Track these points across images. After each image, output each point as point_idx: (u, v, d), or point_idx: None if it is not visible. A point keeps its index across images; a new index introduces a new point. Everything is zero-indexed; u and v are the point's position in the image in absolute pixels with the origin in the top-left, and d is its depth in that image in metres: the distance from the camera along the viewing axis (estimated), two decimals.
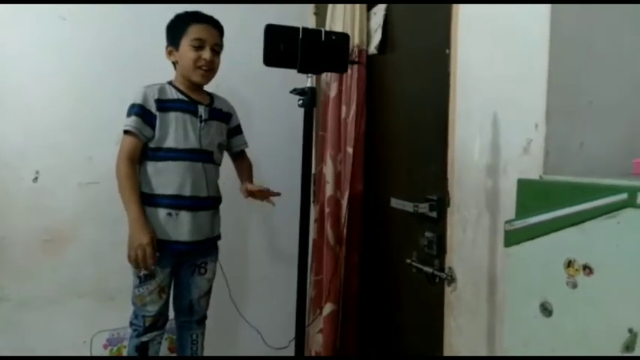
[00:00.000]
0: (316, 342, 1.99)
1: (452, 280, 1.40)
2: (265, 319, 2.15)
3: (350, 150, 1.87)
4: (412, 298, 1.66)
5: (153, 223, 1.67)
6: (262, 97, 2.36)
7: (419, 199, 1.52)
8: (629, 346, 0.72)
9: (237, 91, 2.18)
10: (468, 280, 1.33)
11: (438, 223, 1.47)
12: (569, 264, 0.82)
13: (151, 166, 1.69)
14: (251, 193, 1.83)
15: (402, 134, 1.74)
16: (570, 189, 0.84)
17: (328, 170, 1.95)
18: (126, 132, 1.67)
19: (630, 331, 0.72)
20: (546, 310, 0.86)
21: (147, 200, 1.68)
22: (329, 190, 1.93)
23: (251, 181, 1.89)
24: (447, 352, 1.41)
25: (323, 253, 1.97)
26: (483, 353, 1.26)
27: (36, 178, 2.10)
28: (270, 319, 2.15)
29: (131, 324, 1.78)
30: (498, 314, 1.21)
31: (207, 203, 1.75)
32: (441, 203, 1.45)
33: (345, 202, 1.91)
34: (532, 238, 0.89)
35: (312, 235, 2.11)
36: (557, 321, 0.85)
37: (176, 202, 1.68)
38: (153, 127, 1.67)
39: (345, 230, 1.92)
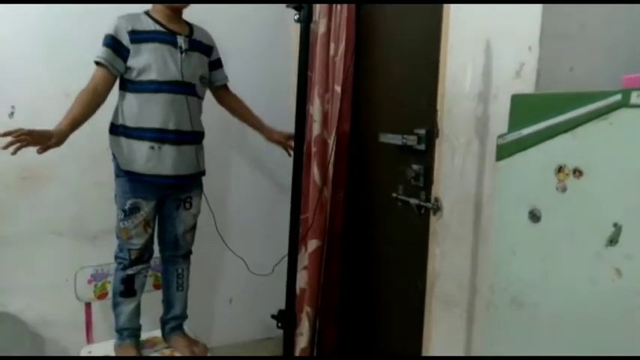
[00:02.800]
0: (301, 278, 2.03)
1: (438, 209, 1.44)
2: (249, 248, 2.19)
3: (338, 88, 1.87)
4: (397, 231, 1.70)
5: (136, 157, 1.65)
6: (246, 35, 2.32)
7: (407, 133, 1.54)
8: (612, 239, 0.77)
9: (221, 28, 2.12)
10: (455, 207, 1.37)
11: (426, 155, 1.50)
12: (560, 169, 0.86)
13: (134, 99, 1.65)
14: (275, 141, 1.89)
15: (391, 70, 1.74)
16: (564, 99, 0.87)
17: (315, 110, 1.94)
18: (96, 63, 1.62)
19: (615, 225, 0.77)
20: (535, 216, 0.91)
21: (130, 133, 1.65)
22: (316, 129, 1.94)
23: (268, 128, 1.91)
24: (430, 278, 1.47)
25: (309, 192, 1.98)
26: (467, 275, 1.32)
27: (12, 113, 2.03)
28: (253, 249, 2.19)
29: (116, 257, 1.77)
30: (483, 238, 1.26)
31: (191, 137, 1.73)
32: (430, 135, 1.48)
33: (331, 142, 1.92)
34: (524, 149, 0.92)
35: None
36: (546, 225, 0.89)
37: (160, 136, 1.65)
38: (125, 60, 1.63)
39: (331, 169, 1.94)
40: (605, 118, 0.78)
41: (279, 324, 1.14)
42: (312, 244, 1.96)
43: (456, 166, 1.36)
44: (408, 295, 1.60)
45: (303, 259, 2.02)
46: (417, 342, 1.52)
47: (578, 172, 0.83)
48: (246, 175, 2.47)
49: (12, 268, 2.11)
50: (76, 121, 1.57)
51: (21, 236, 2.11)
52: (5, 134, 1.38)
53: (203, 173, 1.86)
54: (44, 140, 1.48)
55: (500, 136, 0.98)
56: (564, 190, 0.85)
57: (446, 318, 1.41)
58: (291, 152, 1.81)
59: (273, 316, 1.14)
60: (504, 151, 0.97)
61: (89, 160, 2.15)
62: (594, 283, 0.80)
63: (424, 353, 1.49)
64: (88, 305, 1.93)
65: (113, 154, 1.72)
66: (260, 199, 2.50)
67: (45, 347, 2.21)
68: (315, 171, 1.94)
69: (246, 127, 2.47)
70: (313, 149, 1.94)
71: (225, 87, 1.93)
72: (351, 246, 2.02)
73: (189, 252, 1.92)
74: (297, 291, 2.05)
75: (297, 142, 1.30)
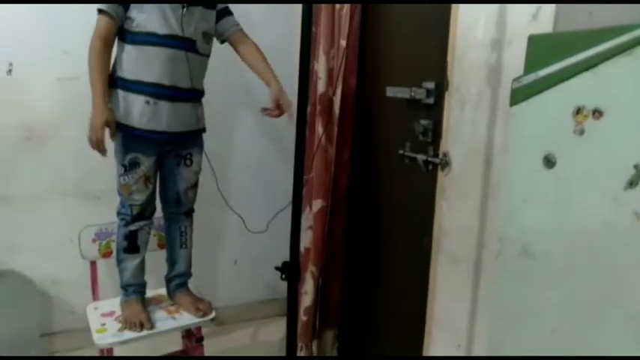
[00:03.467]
0: (305, 238, 2.02)
1: (446, 164, 1.40)
2: (249, 207, 2.18)
3: (343, 42, 1.80)
4: (403, 189, 1.67)
5: (131, 110, 1.61)
6: None
7: (416, 87, 1.49)
8: (632, 181, 0.74)
9: None
10: (464, 161, 1.34)
11: (435, 109, 1.46)
12: (578, 111, 0.81)
13: (132, 51, 1.60)
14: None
15: (399, 22, 1.68)
16: (585, 36, 0.82)
17: (321, 66, 1.88)
18: (100, 11, 1.57)
19: (635, 167, 0.73)
20: (549, 162, 0.87)
21: (127, 86, 1.61)
22: (321, 86, 1.88)
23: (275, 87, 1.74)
24: (436, 235, 1.45)
25: (313, 151, 1.95)
26: (475, 230, 1.29)
27: (10, 71, 1.98)
28: (253, 208, 2.18)
29: (118, 213, 1.76)
30: (492, 191, 1.23)
31: (188, 95, 1.69)
32: (439, 88, 1.43)
33: (337, 100, 1.87)
34: (540, 92, 0.88)
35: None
36: (561, 170, 0.86)
37: (156, 91, 1.61)
38: (126, 9, 1.58)
39: (336, 128, 1.90)
40: (629, 53, 0.73)
41: (283, 276, 1.13)
42: (317, 203, 1.94)
43: (466, 118, 1.31)
44: (414, 252, 1.59)
45: (308, 219, 2.00)
46: (422, 298, 1.51)
47: (597, 113, 0.79)
48: (249, 134, 2.43)
49: (17, 227, 2.12)
50: (104, 86, 1.60)
51: (25, 196, 2.10)
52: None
53: (203, 130, 1.82)
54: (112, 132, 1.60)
55: (515, 80, 0.93)
56: (582, 132, 0.81)
57: (452, 274, 1.39)
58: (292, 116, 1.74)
59: (277, 268, 1.13)
60: (519, 95, 0.92)
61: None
62: (610, 227, 0.77)
63: (429, 310, 1.49)
64: (93, 264, 1.94)
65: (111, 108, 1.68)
66: (262, 159, 2.47)
67: (53, 305, 2.24)
68: (319, 129, 1.90)
69: (251, 84, 2.43)
70: (318, 107, 1.90)
71: (239, 36, 1.82)
72: (356, 205, 2.00)
73: (192, 210, 1.90)
74: (302, 250, 2.05)
75: (301, 100, 1.25)
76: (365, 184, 1.93)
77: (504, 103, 1.14)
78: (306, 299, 2.01)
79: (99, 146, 1.56)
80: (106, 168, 1.94)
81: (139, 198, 1.71)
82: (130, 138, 1.65)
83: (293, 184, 1.29)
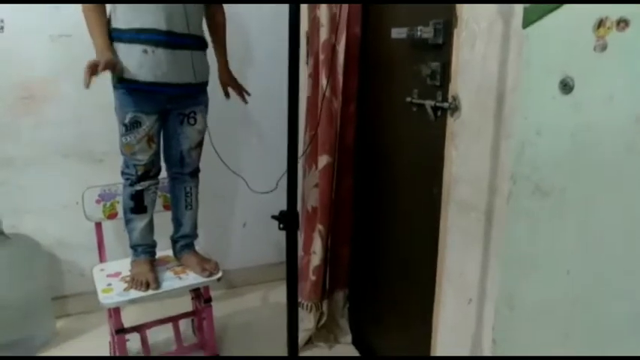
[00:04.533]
0: (312, 197, 1.96)
1: (455, 108, 1.31)
2: (250, 167, 2.13)
3: None
4: (411, 139, 1.59)
5: (130, 62, 1.54)
6: None
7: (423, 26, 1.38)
8: None
9: None
10: (474, 103, 1.24)
11: (443, 50, 1.35)
12: (600, 24, 0.71)
13: None
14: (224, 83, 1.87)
15: None
16: None
17: (323, 13, 1.78)
18: None
19: None
20: (567, 85, 0.78)
21: (123, 37, 1.54)
22: (323, 34, 1.78)
23: (225, 60, 1.86)
24: (446, 183, 1.37)
25: (317, 105, 1.86)
26: (486, 175, 1.21)
27: (2, 27, 1.92)
28: (255, 168, 2.13)
29: (123, 173, 1.72)
30: (504, 132, 1.14)
31: (187, 41, 1.61)
32: (448, 25, 1.32)
33: (341, 49, 1.77)
34: (556, 7, 0.78)
35: (305, 93, 2.00)
36: (579, 94, 0.76)
37: (152, 37, 1.53)
38: None
39: (341, 79, 1.80)
40: None
41: (281, 225, 1.07)
42: (323, 160, 1.87)
43: (476, 55, 1.21)
44: (423, 204, 1.52)
45: (314, 177, 1.94)
46: (432, 253, 1.45)
47: (623, 23, 0.69)
48: (251, 92, 2.35)
49: (21, 190, 2.10)
50: (105, 32, 1.54)
51: (26, 158, 2.08)
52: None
53: (205, 84, 1.75)
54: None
55: None
56: (604, 48, 0.72)
57: (462, 223, 1.32)
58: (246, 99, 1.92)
59: (274, 217, 1.07)
60: (533, 14, 0.82)
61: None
62: (634, 152, 0.68)
63: (439, 261, 1.42)
64: (98, 225, 1.92)
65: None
66: (266, 118, 2.39)
67: (62, 268, 2.24)
68: (323, 81, 1.80)
69: (251, 42, 2.34)
70: (321, 56, 1.80)
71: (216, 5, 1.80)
72: (363, 161, 1.92)
73: (197, 170, 1.85)
74: (309, 209, 1.99)
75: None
76: (372, 138, 1.84)
77: (517, 31, 1.04)
78: (315, 259, 1.96)
79: (90, 74, 1.42)
80: (106, 130, 1.90)
81: (143, 158, 1.67)
82: (129, 95, 1.59)
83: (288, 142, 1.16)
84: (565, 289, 0.82)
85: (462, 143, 1.30)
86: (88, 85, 1.40)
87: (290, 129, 1.08)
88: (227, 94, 1.89)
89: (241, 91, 1.91)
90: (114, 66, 1.50)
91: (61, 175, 2.14)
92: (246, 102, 1.93)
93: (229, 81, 1.88)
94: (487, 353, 1.23)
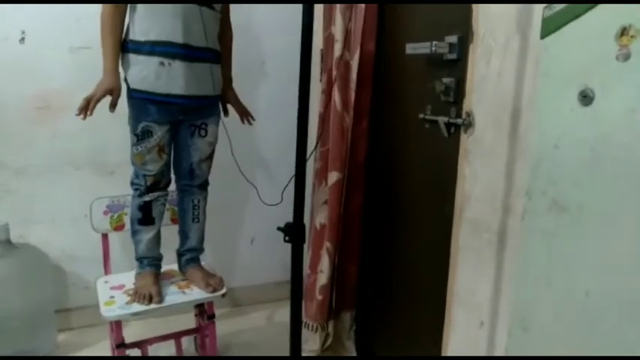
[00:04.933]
0: (320, 214, 1.93)
1: (469, 125, 1.28)
2: (262, 176, 2.12)
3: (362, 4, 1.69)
4: (423, 156, 1.56)
5: (146, 74, 1.55)
6: None
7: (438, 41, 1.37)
8: None
9: None
10: (488, 119, 1.22)
11: (458, 65, 1.33)
12: (623, 32, 0.69)
13: (143, 10, 1.54)
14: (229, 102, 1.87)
15: None
16: None
17: (337, 28, 1.78)
18: None
19: None
20: (586, 97, 0.75)
21: (140, 48, 1.55)
22: (337, 50, 1.78)
23: (229, 76, 1.84)
24: (458, 202, 1.33)
25: (329, 121, 1.85)
26: (501, 194, 1.17)
27: (22, 39, 1.96)
28: (266, 178, 2.11)
29: (132, 183, 1.72)
30: (519, 149, 1.11)
31: (204, 55, 1.62)
32: (463, 41, 1.30)
33: (355, 64, 1.77)
34: (577, 17, 0.75)
35: (317, 109, 1.99)
36: (599, 106, 0.73)
37: (170, 50, 1.54)
38: None
39: (353, 95, 1.79)
40: None
41: (287, 237, 1.04)
42: (333, 176, 1.84)
43: (491, 71, 1.19)
44: (434, 223, 1.47)
45: (324, 194, 1.91)
46: (443, 274, 1.40)
47: None
48: (265, 104, 2.34)
49: (31, 200, 2.10)
50: (117, 51, 1.58)
51: (38, 168, 2.09)
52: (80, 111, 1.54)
53: (219, 97, 1.75)
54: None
55: (546, 7, 0.80)
56: (627, 57, 0.69)
57: (474, 243, 1.27)
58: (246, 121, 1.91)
59: (279, 229, 1.04)
60: (551, 23, 0.80)
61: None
62: None
63: (449, 286, 1.37)
64: (104, 236, 1.90)
65: (125, 76, 1.62)
66: (278, 130, 2.37)
67: (67, 281, 2.22)
68: (336, 97, 1.80)
69: (267, 55, 2.35)
70: (334, 72, 1.79)
71: (226, 12, 1.80)
72: (374, 178, 1.89)
73: (206, 183, 1.84)
74: (317, 226, 1.96)
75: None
76: (383, 154, 1.81)
77: (535, 45, 1.01)
78: (322, 277, 1.92)
79: (85, 109, 1.53)
80: (119, 141, 1.90)
81: (153, 168, 1.66)
82: (143, 105, 1.60)
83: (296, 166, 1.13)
84: (583, 311, 0.77)
85: (476, 161, 1.26)
86: (86, 115, 1.52)
87: (299, 138, 1.06)
88: (226, 111, 1.86)
89: (244, 113, 1.89)
90: (112, 93, 1.54)
91: (71, 186, 2.14)
92: (250, 123, 1.90)
93: (230, 98, 1.85)
94: None
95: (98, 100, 1.52)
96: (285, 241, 1.05)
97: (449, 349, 1.39)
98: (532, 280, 0.87)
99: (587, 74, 0.75)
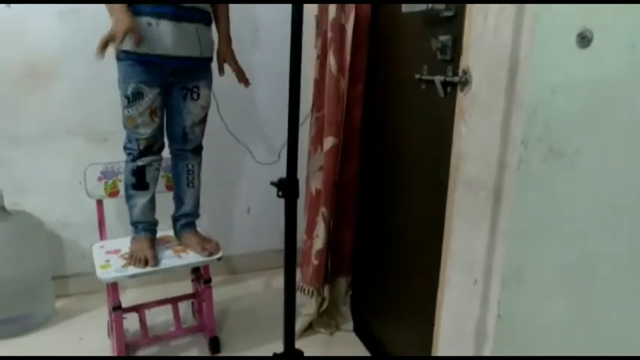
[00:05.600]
0: (316, 179, 1.92)
1: (466, 82, 1.26)
2: (255, 138, 2.12)
3: None
4: (419, 118, 1.54)
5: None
6: None
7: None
8: None
9: None
10: (486, 75, 1.20)
11: (454, 22, 1.31)
12: None
13: None
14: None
15: None
16: None
17: None
18: None
19: None
20: (585, 39, 0.73)
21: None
22: (332, 12, 1.74)
23: (227, 32, 1.79)
24: (454, 162, 1.32)
25: (325, 86, 1.82)
26: (496, 150, 1.16)
27: (9, 3, 1.91)
28: (259, 139, 2.12)
29: (125, 148, 1.70)
30: (517, 103, 1.09)
31: (192, 15, 1.58)
32: None
33: (350, 27, 1.73)
34: None
35: (313, 75, 1.96)
36: (598, 47, 0.72)
37: (156, 10, 1.51)
38: None
39: (348, 58, 1.76)
40: None
41: (280, 192, 1.03)
42: (328, 141, 1.83)
43: (489, 26, 1.16)
44: (430, 187, 1.47)
45: (319, 160, 1.90)
46: (438, 235, 1.40)
47: None
48: (258, 71, 2.31)
49: (25, 168, 2.09)
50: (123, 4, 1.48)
51: (31, 136, 2.07)
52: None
53: (209, 60, 1.72)
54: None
55: None
56: None
57: (469, 203, 1.27)
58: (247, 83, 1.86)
59: (272, 183, 1.03)
60: None
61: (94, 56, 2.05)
62: None
63: (444, 243, 1.38)
64: (99, 203, 1.89)
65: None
66: (272, 97, 2.34)
67: (64, 248, 2.23)
68: (331, 60, 1.76)
69: (259, 21, 2.31)
70: (329, 35, 1.76)
71: None
72: (370, 143, 1.88)
73: (200, 147, 1.82)
74: (313, 192, 1.95)
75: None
76: (379, 119, 1.80)
77: None
78: (318, 242, 1.92)
79: (103, 48, 1.42)
80: (112, 108, 1.87)
81: (145, 132, 1.64)
82: (132, 66, 1.57)
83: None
84: (577, 255, 0.77)
85: (472, 118, 1.25)
86: (101, 55, 1.40)
87: (291, 96, 1.04)
88: (222, 69, 1.80)
89: (240, 73, 1.83)
90: (134, 32, 1.44)
91: (65, 153, 2.12)
92: (246, 85, 1.86)
93: (227, 55, 1.79)
94: (491, 333, 1.18)
95: (120, 40, 1.42)
96: (278, 196, 1.04)
97: (443, 309, 1.40)
98: (527, 231, 0.87)
99: (586, 15, 0.73)
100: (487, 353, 1.22)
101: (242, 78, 1.84)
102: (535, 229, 0.85)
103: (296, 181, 1.04)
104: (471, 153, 1.26)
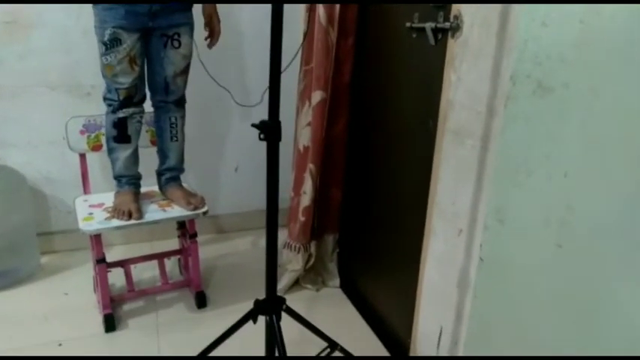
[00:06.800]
0: (304, 135, 1.89)
1: (457, 28, 1.22)
2: (236, 83, 2.07)
3: None
4: (409, 70, 1.50)
5: None
6: None
7: None
8: None
9: None
10: (477, 20, 1.15)
11: None
12: None
13: None
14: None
15: None
16: None
17: None
18: None
19: None
20: None
21: None
22: None
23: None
24: (442, 111, 1.29)
25: (314, 39, 1.77)
26: (486, 96, 1.13)
27: None
28: (240, 81, 2.05)
29: (105, 99, 1.65)
30: (508, 46, 1.06)
31: None
32: None
33: None
34: None
35: (302, 28, 1.90)
36: None
37: None
38: None
39: (338, 7, 1.70)
40: None
41: (262, 135, 1.00)
42: (316, 95, 1.79)
43: None
44: (418, 141, 1.44)
45: (307, 115, 1.86)
46: (425, 190, 1.39)
47: None
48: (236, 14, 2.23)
49: (6, 122, 2.03)
50: None
51: (11, 89, 2.00)
52: None
53: (189, 4, 1.65)
54: None
55: None
56: None
57: (457, 152, 1.25)
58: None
59: (254, 125, 1.00)
60: None
61: (75, 5, 1.97)
62: None
63: (430, 194, 1.36)
64: (82, 157, 1.85)
65: None
66: (254, 36, 2.28)
67: (49, 204, 2.20)
68: (320, 11, 1.70)
69: None
70: None
71: None
72: (359, 99, 1.84)
73: (182, 100, 1.77)
74: (301, 148, 1.92)
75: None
76: (369, 74, 1.75)
77: None
78: (305, 199, 1.90)
79: None
80: (94, 61, 1.81)
81: (125, 81, 1.59)
82: (108, 10, 1.51)
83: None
84: (561, 193, 0.75)
85: (462, 65, 1.21)
86: None
87: (273, 38, 0.99)
88: (207, 25, 1.75)
89: (213, 30, 1.75)
90: None
91: (47, 107, 2.07)
92: (210, 45, 1.78)
93: (207, 9, 1.73)
94: (473, 279, 1.18)
95: None
96: (260, 139, 1.01)
97: (428, 259, 1.40)
98: (511, 169, 0.85)
99: None
100: (469, 301, 1.22)
101: (213, 37, 1.76)
102: (519, 167, 0.83)
103: (278, 123, 1.00)
104: (460, 100, 1.23)
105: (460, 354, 1.29)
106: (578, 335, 0.75)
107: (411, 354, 1.53)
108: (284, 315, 1.26)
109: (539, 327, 0.82)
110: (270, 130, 0.99)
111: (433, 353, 1.42)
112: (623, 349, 0.67)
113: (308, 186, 1.89)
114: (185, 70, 1.71)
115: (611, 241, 0.69)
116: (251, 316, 1.19)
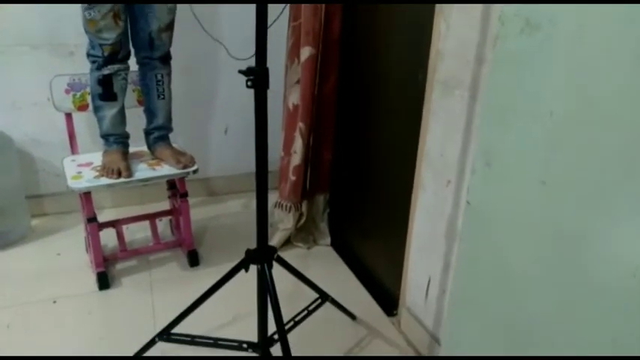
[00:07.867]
0: (293, 94, 1.87)
1: None
2: (229, 33, 1.95)
3: None
4: (399, 20, 1.48)
5: None
6: None
7: None
8: None
9: None
10: None
11: None
12: None
13: None
14: None
15: None
16: None
17: None
18: None
19: None
20: None
21: None
22: None
23: None
24: (432, 63, 1.28)
25: None
26: (474, 44, 1.12)
27: None
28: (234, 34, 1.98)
29: (89, 55, 1.62)
30: None
31: None
32: None
33: None
34: None
35: None
36: None
37: None
38: None
39: None
40: None
41: (249, 83, 0.99)
42: (305, 52, 1.76)
43: None
44: (408, 95, 1.44)
45: (296, 73, 1.84)
46: (414, 139, 1.39)
47: None
48: None
49: None
50: None
51: None
52: None
53: None
54: None
55: None
56: None
57: (445, 103, 1.25)
58: None
59: (241, 71, 0.99)
60: None
61: None
62: None
63: (420, 146, 1.37)
64: (68, 116, 1.82)
65: None
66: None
67: (37, 167, 2.18)
68: None
69: None
70: None
71: None
72: (349, 57, 1.81)
73: (168, 56, 1.74)
74: (291, 107, 1.91)
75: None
76: (359, 30, 1.73)
77: None
78: (295, 158, 1.90)
79: None
80: (77, 19, 1.76)
81: (109, 36, 1.55)
82: None
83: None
84: (546, 131, 0.76)
85: (452, 13, 1.20)
86: None
87: None
88: None
89: None
90: None
91: (30, 68, 2.02)
92: None
93: None
94: (460, 227, 1.20)
95: None
96: (247, 86, 1.00)
97: (417, 210, 1.42)
98: (499, 111, 0.85)
99: None
100: (456, 250, 1.24)
101: None
102: (507, 108, 0.83)
103: (266, 69, 0.99)
104: (449, 50, 1.22)
105: (447, 302, 1.33)
106: (564, 274, 0.76)
107: (400, 304, 1.57)
108: (276, 270, 1.26)
109: (526, 268, 0.84)
110: (257, 76, 0.98)
111: (422, 303, 1.45)
112: (610, 283, 0.69)
113: (298, 145, 1.88)
114: (170, 26, 1.67)
115: (594, 175, 0.70)
116: (243, 265, 1.21)
